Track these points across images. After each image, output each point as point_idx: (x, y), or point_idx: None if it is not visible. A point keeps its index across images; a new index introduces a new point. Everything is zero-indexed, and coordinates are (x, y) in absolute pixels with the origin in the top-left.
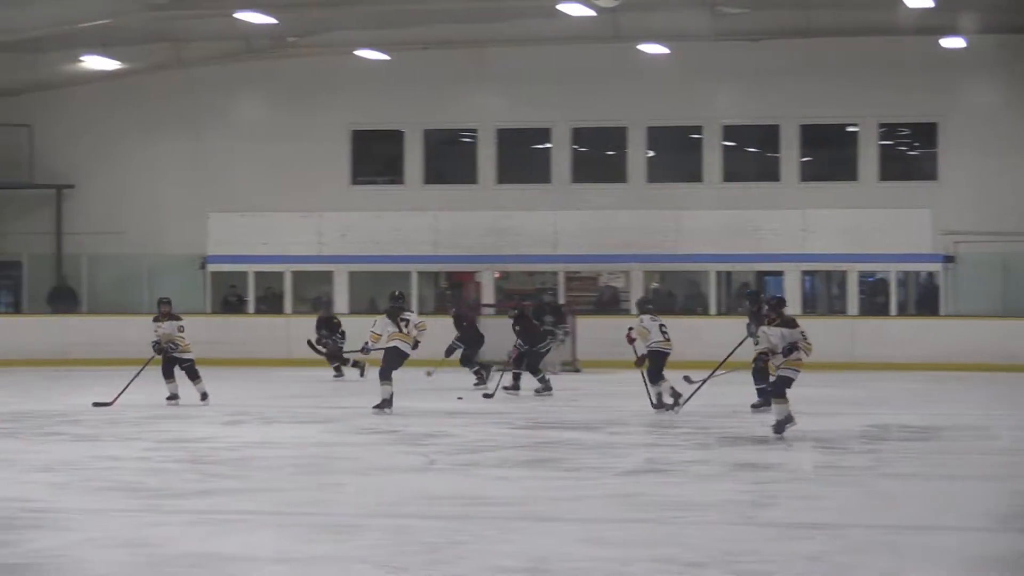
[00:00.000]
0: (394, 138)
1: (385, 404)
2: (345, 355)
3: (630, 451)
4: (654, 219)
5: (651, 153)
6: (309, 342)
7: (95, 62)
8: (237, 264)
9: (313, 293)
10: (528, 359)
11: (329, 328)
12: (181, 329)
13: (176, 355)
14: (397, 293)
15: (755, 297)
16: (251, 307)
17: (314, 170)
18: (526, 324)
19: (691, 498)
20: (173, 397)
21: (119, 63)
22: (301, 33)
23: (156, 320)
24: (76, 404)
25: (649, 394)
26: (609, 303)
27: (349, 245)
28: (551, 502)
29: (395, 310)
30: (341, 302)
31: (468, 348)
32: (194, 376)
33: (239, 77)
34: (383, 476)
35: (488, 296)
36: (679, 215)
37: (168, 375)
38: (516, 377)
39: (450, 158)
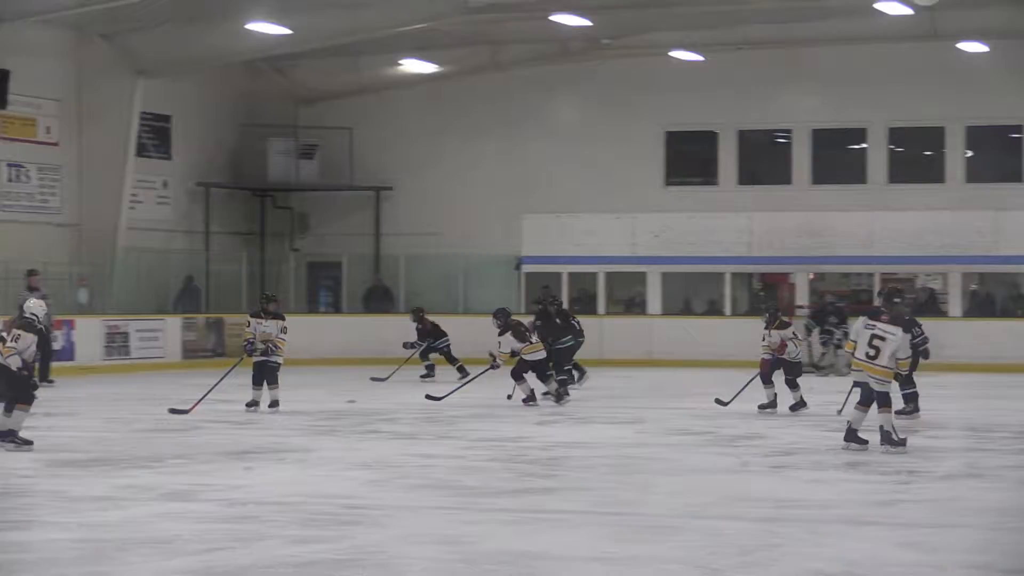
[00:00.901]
0: (708, 139)
1: (531, 399)
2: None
3: (948, 455)
4: (973, 220)
5: (970, 153)
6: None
7: (413, 65)
8: (551, 265)
9: (627, 294)
10: (553, 357)
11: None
12: (284, 331)
13: (268, 359)
14: (508, 310)
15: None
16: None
17: (628, 171)
18: (547, 321)
19: (1010, 504)
20: (253, 404)
21: (436, 66)
22: (616, 35)
23: (256, 316)
24: (394, 402)
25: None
26: (926, 305)
27: (662, 246)
28: (866, 506)
29: (521, 333)
30: (654, 303)
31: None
32: (273, 381)
33: (554, 79)
34: (696, 477)
35: (802, 298)
36: (999, 216)
37: (257, 382)
38: (562, 383)
39: (764, 159)
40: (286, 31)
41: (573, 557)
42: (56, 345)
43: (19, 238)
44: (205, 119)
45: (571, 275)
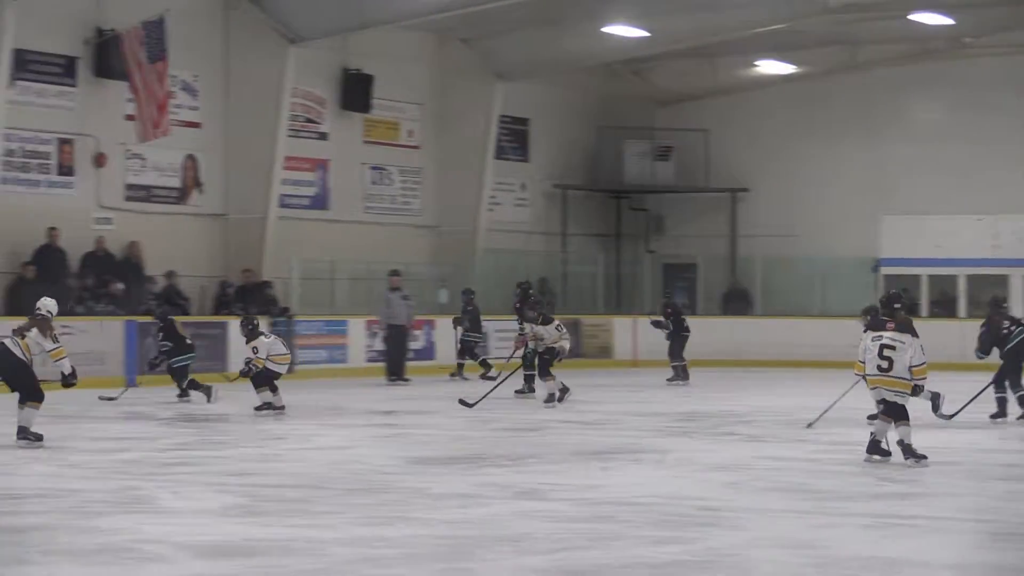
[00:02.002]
0: None
1: (553, 398)
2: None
3: None
4: None
5: None
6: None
7: (770, 66)
8: (909, 267)
9: (987, 296)
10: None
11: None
12: (255, 350)
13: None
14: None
15: (997, 304)
16: (924, 310)
17: (990, 171)
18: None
19: None
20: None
21: (793, 67)
22: (978, 33)
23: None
24: (749, 405)
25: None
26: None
27: None
28: None
29: (547, 320)
30: (1017, 306)
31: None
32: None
33: (914, 79)
34: None
35: None
36: None
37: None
38: (528, 379)
39: None
40: (644, 34)
41: (930, 564)
42: (417, 345)
43: (382, 240)
44: (562, 121)
45: (930, 277)
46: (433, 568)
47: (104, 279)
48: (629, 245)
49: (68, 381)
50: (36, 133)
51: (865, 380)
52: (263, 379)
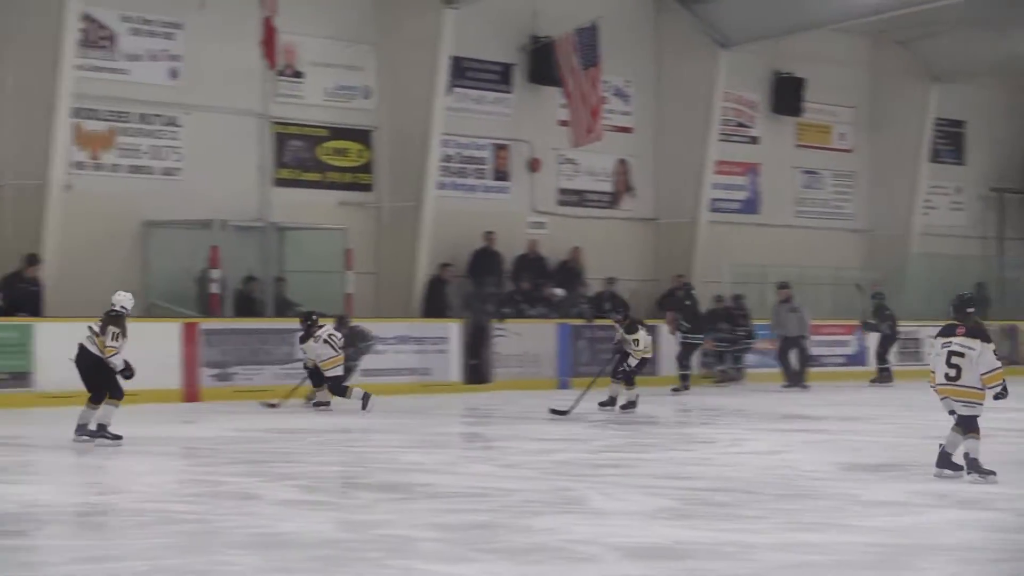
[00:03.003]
0: None
1: (631, 405)
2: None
3: None
4: None
5: None
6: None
7: None
8: None
9: None
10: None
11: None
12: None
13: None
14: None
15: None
16: None
17: None
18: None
19: None
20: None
21: None
22: None
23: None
24: None
25: None
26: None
27: None
28: None
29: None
30: None
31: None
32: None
33: None
34: None
35: None
36: None
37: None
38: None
39: None
40: None
41: None
42: (849, 350)
43: (813, 244)
44: (1000, 124)
45: None
46: (864, 575)
47: (539, 283)
48: None
49: (125, 375)
50: (473, 139)
51: (935, 390)
52: (318, 379)
